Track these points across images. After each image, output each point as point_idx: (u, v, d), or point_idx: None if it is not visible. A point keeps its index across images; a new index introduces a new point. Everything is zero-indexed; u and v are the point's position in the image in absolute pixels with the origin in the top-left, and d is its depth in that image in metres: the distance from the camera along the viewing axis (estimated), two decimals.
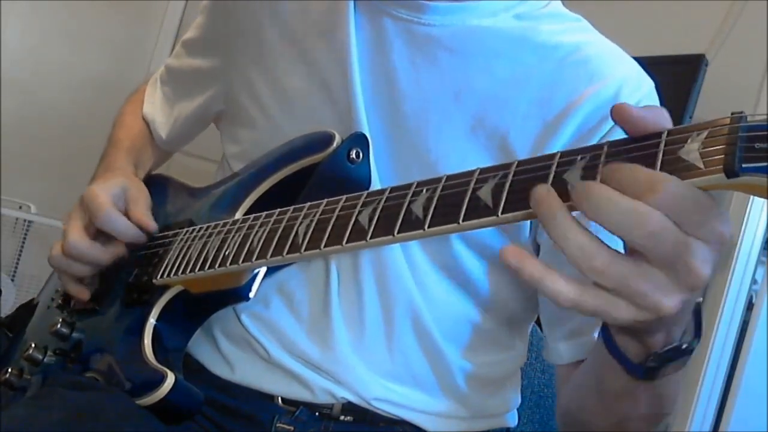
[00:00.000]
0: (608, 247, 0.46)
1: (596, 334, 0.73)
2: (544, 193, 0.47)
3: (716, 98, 2.02)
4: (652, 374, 0.58)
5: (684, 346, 0.56)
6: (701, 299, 0.58)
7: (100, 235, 0.83)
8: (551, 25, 0.80)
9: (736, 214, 2.10)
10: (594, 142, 0.75)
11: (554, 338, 0.78)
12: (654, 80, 0.80)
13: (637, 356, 0.57)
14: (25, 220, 2.59)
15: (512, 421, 0.88)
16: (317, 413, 0.79)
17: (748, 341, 2.13)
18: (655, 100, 0.80)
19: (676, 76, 1.98)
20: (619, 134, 0.77)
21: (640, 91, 0.78)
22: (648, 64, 0.82)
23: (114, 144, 0.98)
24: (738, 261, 2.09)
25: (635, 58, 0.81)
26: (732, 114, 0.44)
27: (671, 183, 0.44)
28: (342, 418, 0.79)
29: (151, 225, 0.83)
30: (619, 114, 0.48)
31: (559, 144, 0.75)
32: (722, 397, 2.10)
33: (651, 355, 0.56)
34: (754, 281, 2.15)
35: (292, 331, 0.80)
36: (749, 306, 2.15)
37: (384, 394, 0.79)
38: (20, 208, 2.64)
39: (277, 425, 0.79)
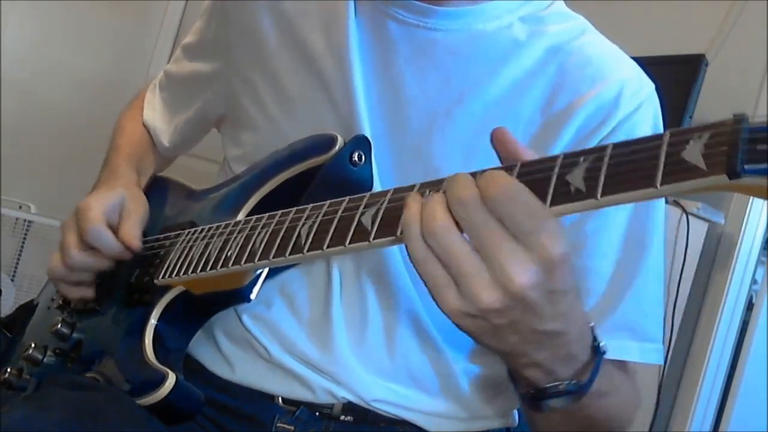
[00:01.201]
0: (454, 226, 0.51)
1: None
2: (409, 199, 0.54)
3: (716, 98, 2.02)
4: (535, 406, 0.62)
5: (561, 386, 0.60)
6: (602, 342, 0.62)
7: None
8: (554, 27, 0.80)
9: (736, 214, 2.10)
10: (594, 143, 0.75)
11: None
12: (654, 80, 0.80)
13: (523, 387, 0.63)
14: (25, 220, 2.59)
15: (512, 421, 0.88)
16: (318, 413, 0.79)
17: (748, 341, 2.13)
18: (655, 102, 0.80)
19: (676, 76, 1.98)
20: (621, 138, 0.77)
21: (641, 94, 0.78)
22: (648, 64, 0.82)
23: (115, 150, 0.98)
24: (738, 261, 2.09)
25: (635, 58, 0.81)
26: (734, 116, 0.45)
27: (504, 180, 0.50)
28: (342, 418, 0.79)
29: (135, 245, 0.83)
30: (497, 139, 0.58)
31: (560, 145, 0.75)
32: (722, 397, 2.11)
33: (531, 388, 0.61)
34: (754, 281, 2.16)
35: (293, 331, 0.80)
36: (749, 306, 2.15)
37: (384, 394, 0.79)
38: (20, 208, 2.64)
39: (278, 425, 0.79)
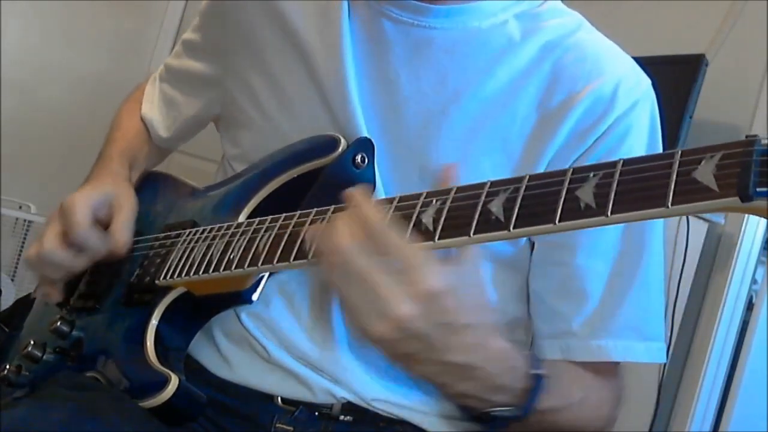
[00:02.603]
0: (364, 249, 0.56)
1: (588, 342, 0.75)
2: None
3: (716, 98, 2.02)
4: (485, 425, 0.68)
5: (495, 413, 0.65)
6: (539, 371, 0.66)
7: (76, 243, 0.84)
8: (550, 24, 0.80)
9: (736, 214, 2.09)
10: (591, 140, 0.75)
11: (544, 334, 0.79)
12: (653, 80, 0.80)
13: (466, 409, 0.68)
14: (25, 220, 2.59)
15: None
16: (317, 413, 0.79)
17: (748, 341, 2.12)
18: (652, 99, 0.80)
19: (676, 76, 1.98)
20: (615, 137, 0.77)
21: (638, 90, 0.78)
22: (648, 64, 0.82)
23: (110, 143, 0.99)
24: (738, 261, 2.09)
25: (635, 58, 0.81)
26: (747, 137, 0.44)
27: (372, 222, 0.56)
28: (342, 417, 0.79)
29: (123, 246, 0.84)
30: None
31: (557, 141, 0.75)
32: (722, 397, 2.10)
33: (468, 409, 0.67)
34: (754, 281, 2.15)
35: (292, 331, 0.80)
36: (749, 306, 2.15)
37: (383, 394, 0.79)
38: (20, 208, 2.64)
39: (277, 425, 0.79)
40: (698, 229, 1.98)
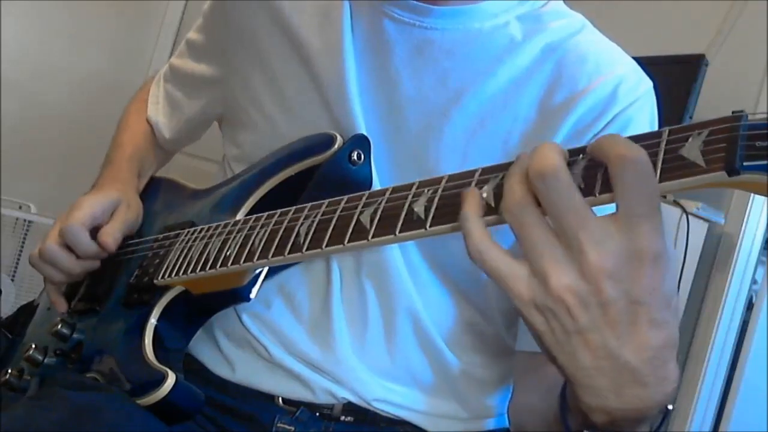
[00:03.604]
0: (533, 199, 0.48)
1: None
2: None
3: (716, 98, 2.02)
4: None
5: None
6: (671, 407, 0.52)
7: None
8: (552, 25, 0.80)
9: (736, 214, 2.10)
10: (589, 137, 0.75)
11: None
12: (654, 80, 0.80)
13: (577, 425, 0.54)
14: (25, 220, 2.59)
15: None
16: (318, 413, 0.79)
17: (748, 341, 2.13)
18: (652, 100, 0.80)
19: (676, 76, 1.98)
20: (614, 130, 0.77)
21: (638, 90, 0.78)
22: (648, 64, 0.82)
23: (118, 148, 0.99)
24: (738, 261, 2.09)
25: (635, 58, 0.81)
26: (733, 113, 0.45)
27: (645, 158, 0.45)
28: (342, 418, 0.79)
29: (110, 245, 0.84)
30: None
31: (557, 141, 0.75)
32: (722, 397, 2.11)
33: (588, 427, 0.52)
34: (754, 281, 2.15)
35: (293, 331, 0.80)
36: (749, 306, 2.15)
37: (384, 394, 0.79)
38: (20, 208, 2.64)
39: (278, 425, 0.79)
40: (698, 229, 1.98)
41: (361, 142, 0.76)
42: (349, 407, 0.79)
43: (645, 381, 0.48)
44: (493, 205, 0.52)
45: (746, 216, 2.09)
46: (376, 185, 0.76)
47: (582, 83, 0.76)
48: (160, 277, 0.77)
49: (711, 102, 2.00)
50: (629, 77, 0.78)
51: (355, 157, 0.75)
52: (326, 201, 0.65)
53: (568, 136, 0.76)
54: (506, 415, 0.85)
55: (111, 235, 0.84)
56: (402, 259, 0.78)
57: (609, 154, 0.45)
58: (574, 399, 0.52)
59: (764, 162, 0.42)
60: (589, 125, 0.76)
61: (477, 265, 0.49)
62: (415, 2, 0.77)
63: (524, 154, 0.50)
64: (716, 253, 2.11)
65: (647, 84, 0.80)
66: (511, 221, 0.48)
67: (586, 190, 0.48)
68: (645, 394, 0.48)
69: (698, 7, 2.26)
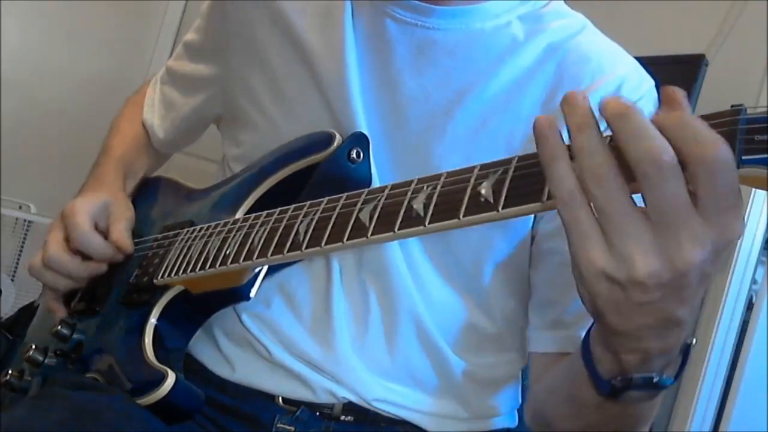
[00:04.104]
0: (620, 173, 0.45)
1: (581, 333, 0.73)
2: (578, 96, 0.48)
3: (716, 98, 2.02)
4: (616, 394, 0.55)
5: (655, 380, 0.53)
6: (693, 340, 0.55)
7: (80, 251, 0.84)
8: (553, 25, 0.80)
9: None
10: None
11: (537, 325, 0.79)
12: (654, 80, 0.80)
13: (607, 372, 0.55)
14: (25, 220, 2.59)
15: (512, 421, 0.88)
16: (318, 413, 0.79)
17: (748, 341, 2.13)
18: (654, 99, 0.80)
19: (676, 76, 1.98)
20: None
21: (641, 89, 0.78)
22: (648, 64, 0.82)
23: (106, 152, 0.98)
24: (738, 261, 2.09)
25: (636, 58, 0.81)
26: (732, 106, 0.44)
27: (727, 153, 0.42)
28: (343, 418, 0.79)
29: (128, 247, 0.84)
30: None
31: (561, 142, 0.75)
32: (722, 397, 2.10)
33: (620, 375, 0.53)
34: (754, 281, 2.15)
35: (293, 331, 0.80)
36: (749, 306, 2.15)
37: (385, 394, 0.79)
38: (20, 208, 2.64)
39: (278, 425, 0.79)
40: None
41: (360, 140, 0.76)
42: (350, 407, 0.79)
43: (686, 325, 0.50)
44: (492, 201, 0.52)
45: (746, 216, 2.09)
46: (376, 184, 0.76)
47: (585, 83, 0.76)
48: (159, 277, 0.78)
49: (711, 102, 2.00)
50: (631, 76, 0.78)
51: (354, 155, 0.75)
52: (325, 199, 0.65)
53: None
54: (523, 420, 0.85)
55: (124, 237, 0.84)
56: (403, 257, 0.77)
57: (690, 154, 0.43)
58: (608, 344, 0.53)
59: (763, 156, 0.42)
60: None
61: (559, 208, 0.46)
62: (416, 2, 0.77)
63: (546, 131, 0.48)
64: None
65: (649, 83, 0.80)
66: (597, 190, 0.45)
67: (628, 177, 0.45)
68: (682, 334, 0.51)
69: (698, 7, 2.26)
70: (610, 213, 0.45)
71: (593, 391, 0.57)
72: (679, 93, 0.45)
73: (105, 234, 0.85)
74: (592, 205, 0.46)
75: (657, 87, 0.80)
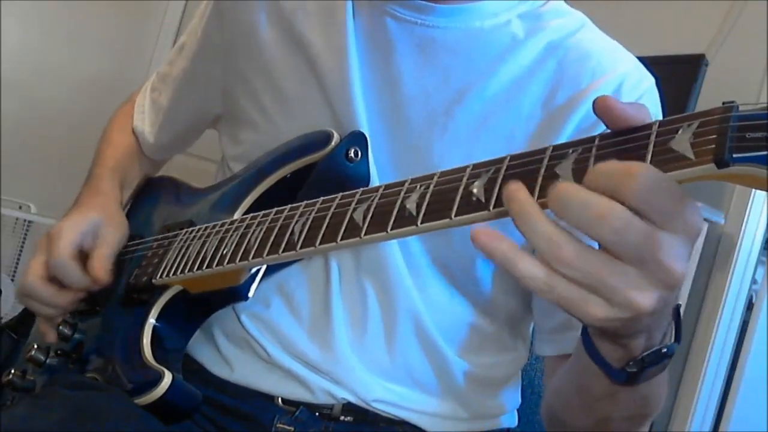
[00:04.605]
0: (578, 240, 0.45)
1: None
2: (513, 189, 0.47)
3: (716, 98, 2.00)
4: (633, 379, 0.56)
5: (664, 350, 0.54)
6: (680, 303, 0.57)
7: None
8: (553, 23, 0.80)
9: (736, 214, 2.10)
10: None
11: (544, 330, 0.79)
12: (654, 78, 0.80)
13: (618, 361, 0.55)
14: (25, 220, 2.59)
15: (512, 421, 0.88)
16: (317, 413, 0.79)
17: (748, 341, 2.13)
18: (655, 97, 0.80)
19: (676, 76, 1.98)
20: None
21: (642, 87, 0.78)
22: (648, 63, 0.82)
23: (100, 163, 0.97)
24: (738, 261, 2.09)
25: (636, 58, 0.81)
26: (723, 104, 0.44)
27: (644, 171, 0.43)
28: (342, 418, 0.79)
29: (104, 278, 0.81)
30: (600, 106, 0.49)
31: (561, 140, 0.75)
32: (722, 397, 2.11)
33: (631, 359, 0.54)
34: (754, 281, 2.15)
35: (292, 331, 0.80)
36: (749, 306, 2.15)
37: (384, 394, 0.79)
38: (20, 208, 2.64)
39: (277, 425, 0.79)
40: None
41: (358, 139, 0.76)
42: (349, 407, 0.79)
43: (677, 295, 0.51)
44: (483, 201, 0.51)
45: (746, 216, 2.09)
46: (375, 183, 0.76)
47: (585, 81, 0.76)
48: (158, 277, 0.78)
49: (711, 102, 1.96)
50: (632, 74, 0.78)
51: (352, 155, 0.75)
52: (320, 199, 0.65)
53: (573, 135, 0.75)
54: (523, 420, 0.85)
55: (102, 268, 0.82)
56: (402, 257, 0.77)
57: (624, 194, 0.44)
58: (613, 339, 0.53)
59: (755, 153, 0.41)
60: (594, 123, 0.75)
61: (541, 296, 0.47)
62: (417, 1, 0.77)
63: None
64: (716, 253, 2.11)
65: (650, 80, 0.80)
66: (567, 271, 0.45)
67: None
68: (673, 302, 0.52)
69: (698, 7, 2.26)
70: (590, 281, 0.45)
71: (606, 381, 0.58)
72: (610, 99, 0.48)
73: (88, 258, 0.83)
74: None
75: (657, 86, 0.80)
